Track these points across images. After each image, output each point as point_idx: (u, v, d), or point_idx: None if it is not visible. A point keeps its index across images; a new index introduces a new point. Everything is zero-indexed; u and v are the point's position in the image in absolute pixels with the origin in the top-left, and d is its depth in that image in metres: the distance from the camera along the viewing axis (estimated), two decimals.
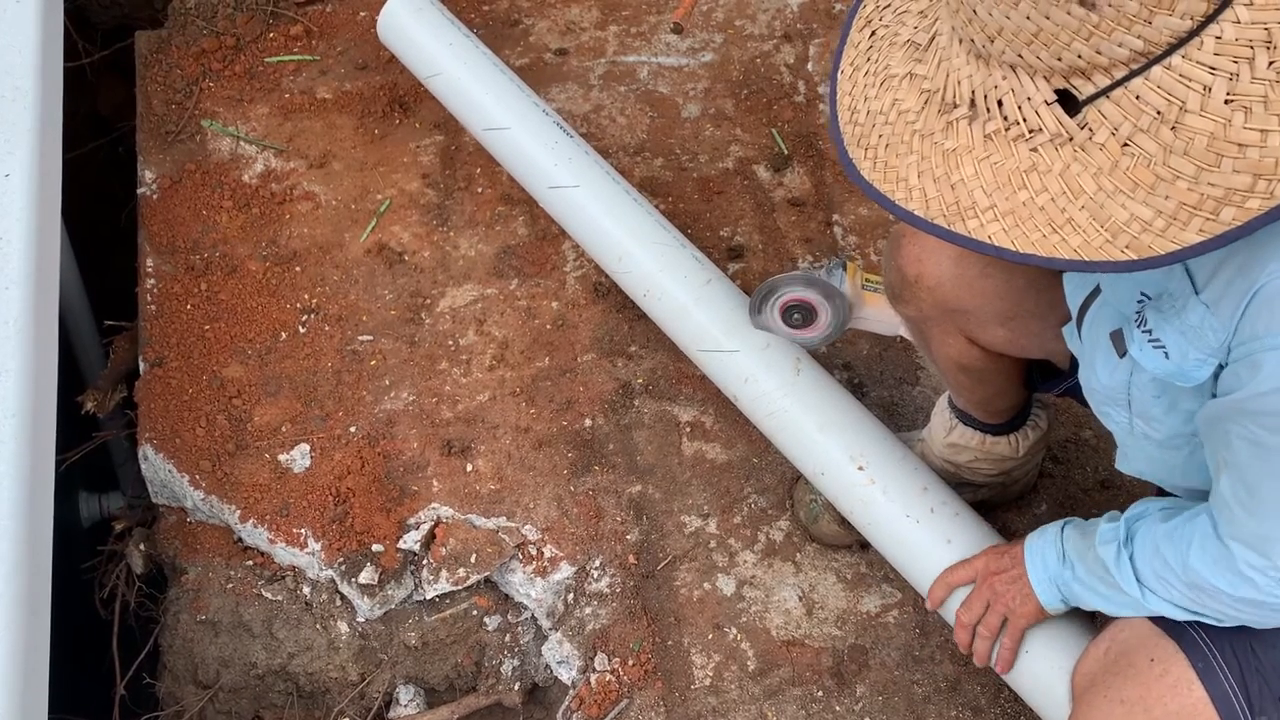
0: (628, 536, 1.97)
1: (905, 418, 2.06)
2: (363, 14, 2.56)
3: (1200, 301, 1.09)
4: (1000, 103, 0.96)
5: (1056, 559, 1.50)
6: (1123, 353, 1.23)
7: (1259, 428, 1.09)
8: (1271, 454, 1.09)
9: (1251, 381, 1.06)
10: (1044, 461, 1.96)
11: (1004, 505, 1.96)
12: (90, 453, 2.22)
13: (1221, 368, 1.11)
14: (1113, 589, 1.40)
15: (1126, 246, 0.94)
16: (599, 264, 2.13)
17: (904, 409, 2.07)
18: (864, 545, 1.91)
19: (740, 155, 2.38)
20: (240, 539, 2.03)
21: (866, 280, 1.81)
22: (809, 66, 2.51)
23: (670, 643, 1.89)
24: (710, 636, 1.89)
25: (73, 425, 2.13)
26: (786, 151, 2.38)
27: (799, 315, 1.82)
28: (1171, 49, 0.88)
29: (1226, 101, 0.88)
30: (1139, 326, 1.18)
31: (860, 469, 1.79)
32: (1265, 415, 1.07)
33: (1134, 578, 1.34)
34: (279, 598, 1.99)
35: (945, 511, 1.74)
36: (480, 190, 2.34)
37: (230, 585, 2.01)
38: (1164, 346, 1.14)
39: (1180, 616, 1.33)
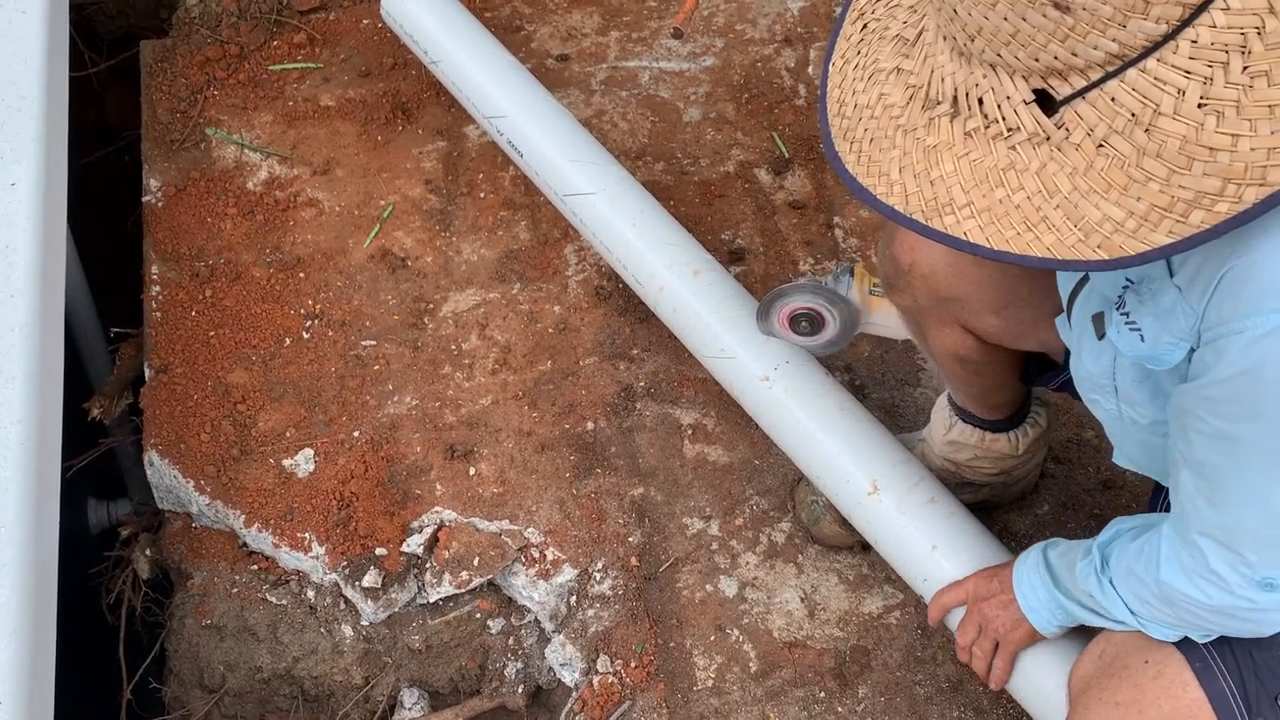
0: (630, 539, 1.97)
1: (907, 419, 2.07)
2: (365, 21, 2.58)
3: (1174, 285, 1.09)
4: (980, 101, 0.97)
5: (1045, 587, 1.49)
6: (1101, 335, 1.24)
7: (1217, 418, 1.08)
8: (1232, 444, 1.09)
9: (1215, 366, 1.06)
10: (1045, 462, 1.96)
11: (1005, 506, 1.96)
12: (97, 459, 2.23)
13: (1193, 352, 1.11)
14: (1105, 616, 1.39)
15: (1098, 246, 0.94)
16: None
17: (905, 411, 2.08)
18: (865, 546, 1.92)
19: (741, 159, 2.39)
20: (245, 544, 2.04)
21: (874, 286, 1.81)
22: (809, 70, 2.51)
23: (673, 644, 1.89)
24: (712, 638, 1.89)
25: (79, 432, 2.14)
26: (787, 155, 2.38)
27: (806, 323, 1.83)
28: (1147, 52, 0.88)
29: (1200, 105, 0.88)
30: (1118, 309, 1.19)
31: (865, 476, 1.79)
32: (1225, 402, 1.07)
33: (1122, 604, 1.34)
34: (283, 602, 2.00)
35: (937, 511, 1.74)
36: (483, 195, 2.35)
37: (235, 590, 2.02)
38: (1139, 329, 1.15)
39: (1167, 636, 1.33)
